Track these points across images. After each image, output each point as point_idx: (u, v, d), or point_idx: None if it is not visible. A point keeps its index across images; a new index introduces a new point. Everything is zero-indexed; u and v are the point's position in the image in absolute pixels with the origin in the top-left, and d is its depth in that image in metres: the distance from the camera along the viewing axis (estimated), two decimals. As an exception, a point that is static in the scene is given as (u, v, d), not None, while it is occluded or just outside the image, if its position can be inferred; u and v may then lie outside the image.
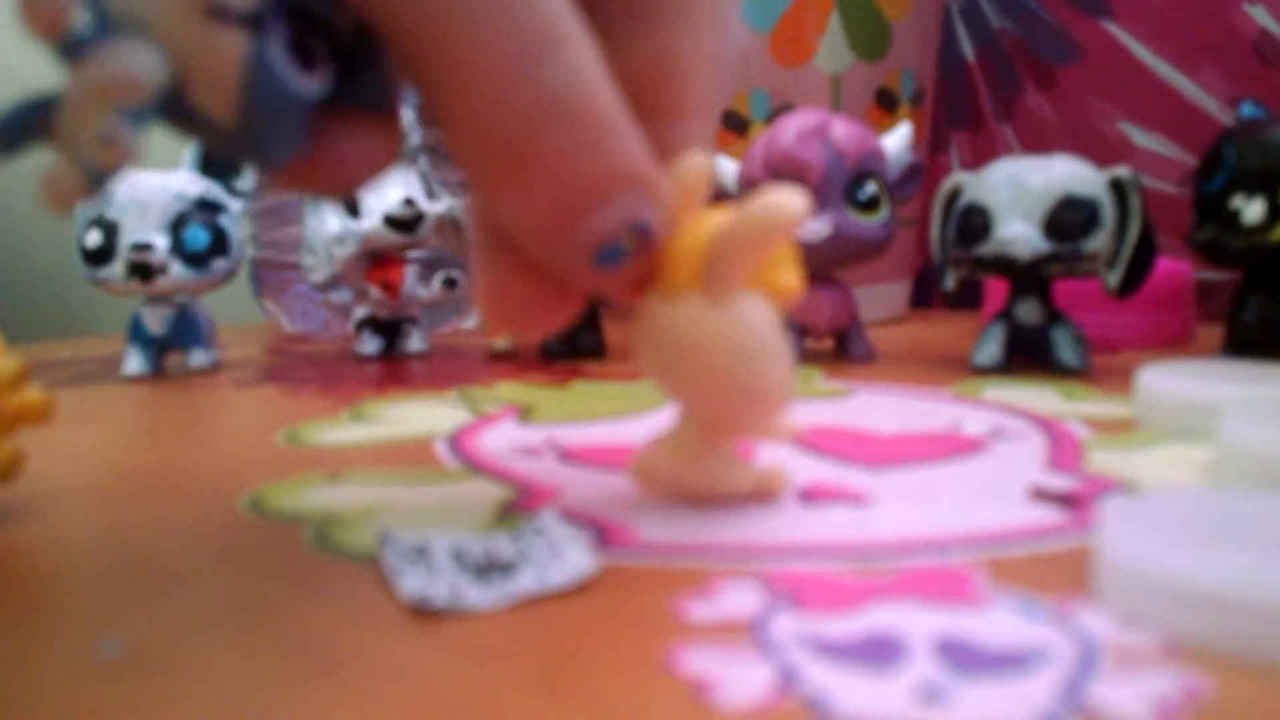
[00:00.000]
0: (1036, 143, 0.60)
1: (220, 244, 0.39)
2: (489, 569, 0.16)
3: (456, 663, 0.13)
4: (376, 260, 0.43)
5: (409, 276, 0.43)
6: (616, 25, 0.17)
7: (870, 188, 0.37)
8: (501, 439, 0.27)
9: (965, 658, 0.13)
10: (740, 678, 0.13)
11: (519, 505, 0.20)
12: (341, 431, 0.28)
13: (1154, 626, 0.14)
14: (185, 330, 0.41)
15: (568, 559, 0.16)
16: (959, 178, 0.36)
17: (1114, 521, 0.15)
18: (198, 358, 0.41)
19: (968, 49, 0.62)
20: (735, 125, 0.50)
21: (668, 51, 0.17)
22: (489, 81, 0.14)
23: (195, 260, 0.39)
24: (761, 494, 0.20)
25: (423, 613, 0.15)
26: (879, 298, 0.52)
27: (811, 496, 0.21)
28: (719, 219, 0.17)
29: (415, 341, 0.45)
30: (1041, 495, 0.20)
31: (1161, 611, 0.14)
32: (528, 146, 0.15)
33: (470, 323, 0.57)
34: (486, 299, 0.18)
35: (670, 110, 0.18)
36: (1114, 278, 0.33)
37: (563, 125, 0.15)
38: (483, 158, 0.15)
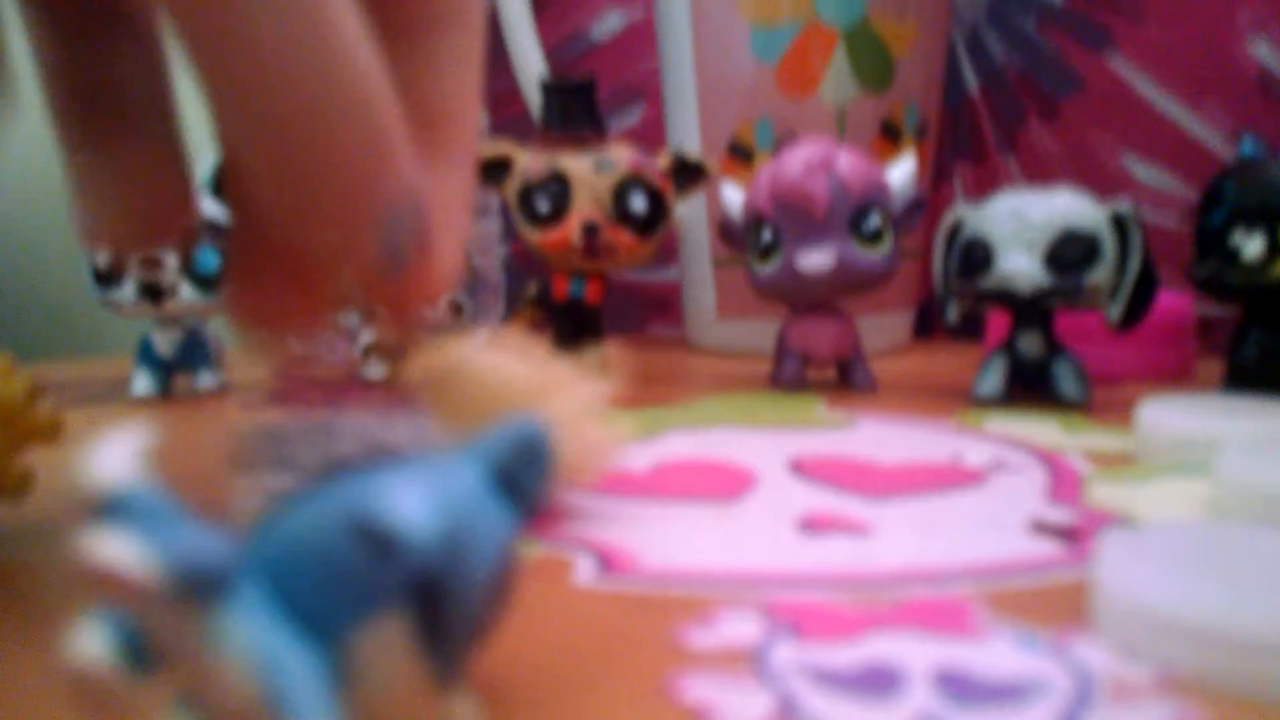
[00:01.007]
0: (1039, 174, 0.61)
1: (230, 267, 0.40)
2: None
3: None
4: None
5: (415, 302, 0.43)
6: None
7: (874, 220, 0.37)
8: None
9: (963, 689, 0.13)
10: (740, 705, 0.13)
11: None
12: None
13: (1150, 659, 0.14)
14: (193, 352, 0.41)
15: None
16: (961, 211, 0.36)
17: (1112, 555, 0.15)
18: (205, 380, 0.41)
19: (971, 81, 0.63)
20: (741, 155, 0.51)
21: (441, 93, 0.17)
22: (285, 87, 0.13)
23: (205, 283, 0.39)
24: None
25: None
26: (881, 328, 0.52)
27: (812, 526, 0.21)
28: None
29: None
30: (1041, 528, 0.20)
31: (1158, 645, 0.14)
32: (320, 153, 0.14)
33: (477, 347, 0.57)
34: (234, 293, 0.17)
35: (438, 154, 0.17)
36: (1115, 311, 0.33)
37: (356, 130, 0.14)
38: (273, 169, 0.14)
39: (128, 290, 0.38)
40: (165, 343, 0.40)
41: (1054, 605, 0.16)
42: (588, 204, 0.38)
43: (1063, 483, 0.24)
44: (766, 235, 0.38)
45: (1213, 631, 0.13)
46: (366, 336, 0.44)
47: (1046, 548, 0.19)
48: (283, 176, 0.14)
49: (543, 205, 0.38)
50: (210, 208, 0.40)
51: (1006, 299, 0.33)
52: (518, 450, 0.12)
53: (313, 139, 0.14)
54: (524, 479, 0.12)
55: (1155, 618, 0.14)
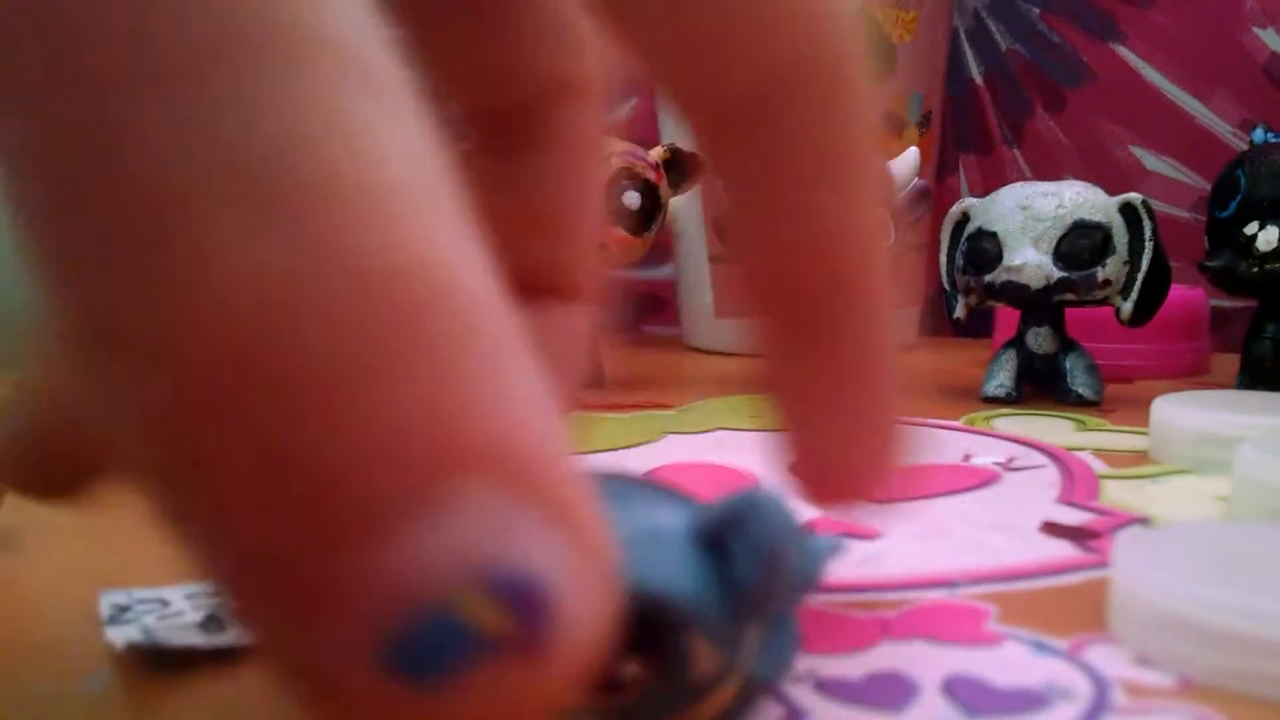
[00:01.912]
0: (1046, 166, 0.60)
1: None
2: (220, 619, 0.15)
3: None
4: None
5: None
6: (777, 180, 0.12)
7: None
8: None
9: (975, 696, 0.13)
10: (746, 717, 0.12)
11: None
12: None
13: (1169, 661, 0.14)
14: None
15: None
16: (967, 203, 0.35)
17: (1130, 556, 0.15)
18: None
19: (975, 71, 0.62)
20: (741, 150, 0.50)
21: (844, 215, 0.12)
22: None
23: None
24: None
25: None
26: (887, 325, 0.52)
27: (818, 530, 0.20)
28: None
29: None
30: (1054, 530, 0.20)
31: (1177, 647, 0.14)
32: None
33: None
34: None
35: (845, 284, 0.12)
36: (1127, 306, 0.33)
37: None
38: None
39: None
40: None
41: (1068, 609, 0.16)
42: (582, 200, 0.38)
43: (1076, 483, 0.24)
44: (768, 231, 0.37)
45: (1233, 633, 0.13)
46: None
47: (1060, 550, 0.19)
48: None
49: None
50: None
51: (1015, 294, 0.33)
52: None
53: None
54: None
55: (1174, 619, 0.14)
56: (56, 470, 0.12)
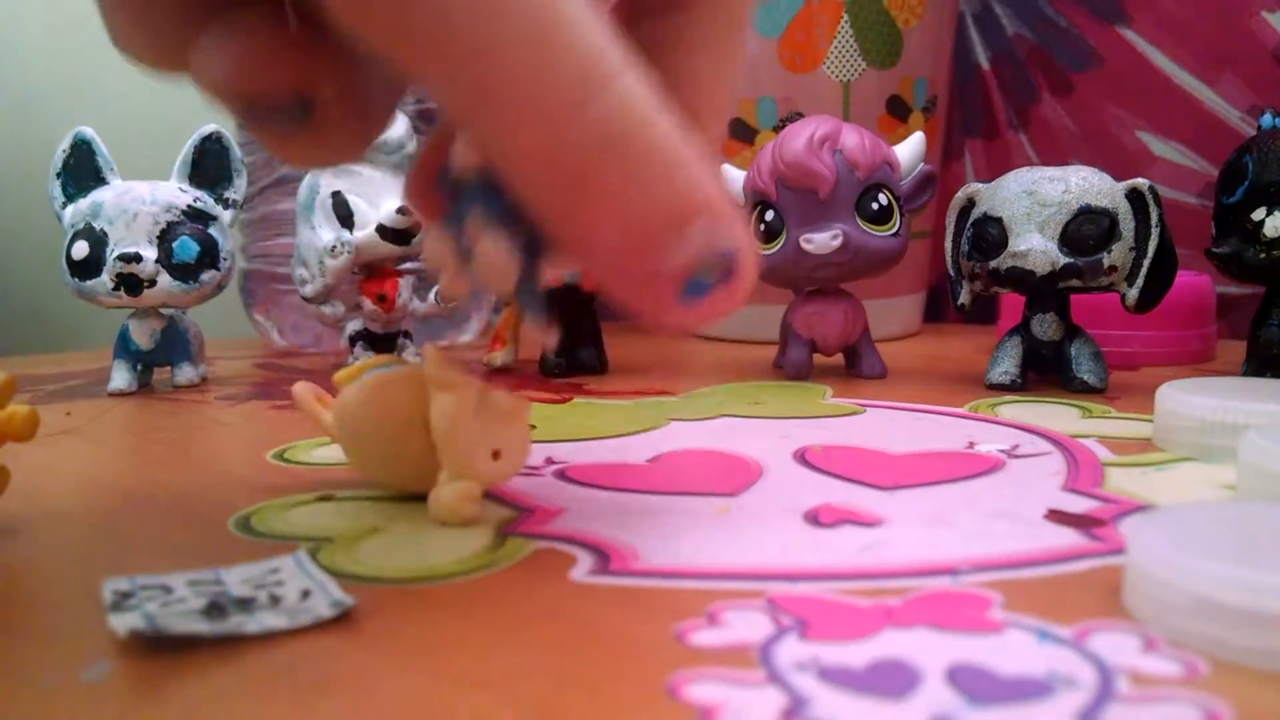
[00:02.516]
0: (1052, 151, 0.60)
1: (210, 255, 0.39)
2: (222, 606, 0.15)
3: (457, 690, 0.13)
4: (370, 272, 0.42)
5: (404, 289, 0.42)
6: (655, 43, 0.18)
7: (882, 199, 0.36)
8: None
9: (979, 684, 0.13)
10: (747, 705, 0.12)
11: (517, 525, 0.20)
12: (333, 449, 0.28)
13: (1186, 640, 0.14)
14: (173, 345, 0.40)
15: (309, 603, 0.16)
16: (973, 188, 0.35)
17: (1146, 536, 0.15)
18: (185, 373, 0.41)
19: (982, 55, 0.62)
20: (742, 134, 0.50)
21: (699, 70, 0.18)
22: (542, 123, 0.14)
23: (184, 272, 0.38)
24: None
25: (336, 624, 0.14)
26: (891, 312, 0.52)
27: (820, 519, 0.20)
28: None
29: (410, 356, 0.44)
30: (1058, 517, 0.20)
31: (1193, 626, 0.14)
32: (590, 185, 0.14)
33: (467, 336, 0.56)
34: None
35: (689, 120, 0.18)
36: (1133, 292, 0.32)
37: (620, 160, 0.14)
38: (547, 199, 0.15)
39: (104, 280, 0.37)
40: (143, 335, 0.40)
41: (1073, 596, 0.16)
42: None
43: (1080, 470, 0.23)
44: (769, 217, 0.37)
45: (1254, 611, 0.13)
46: (354, 326, 0.43)
47: (1065, 538, 0.19)
48: (564, 214, 0.15)
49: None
50: (189, 195, 0.39)
51: (1020, 280, 0.33)
52: None
53: (592, 174, 0.14)
54: None
55: (1196, 598, 0.14)
56: None
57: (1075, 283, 0.32)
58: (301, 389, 0.25)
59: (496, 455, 0.20)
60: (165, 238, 0.38)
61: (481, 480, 0.20)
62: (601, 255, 0.15)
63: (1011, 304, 0.45)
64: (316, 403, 0.24)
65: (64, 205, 0.39)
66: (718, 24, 0.18)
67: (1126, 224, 0.32)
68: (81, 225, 0.38)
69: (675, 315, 0.16)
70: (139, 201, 0.38)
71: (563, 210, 0.15)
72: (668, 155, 0.15)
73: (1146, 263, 0.32)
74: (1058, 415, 0.30)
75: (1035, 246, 0.32)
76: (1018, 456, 0.25)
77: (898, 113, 0.50)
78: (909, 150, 0.37)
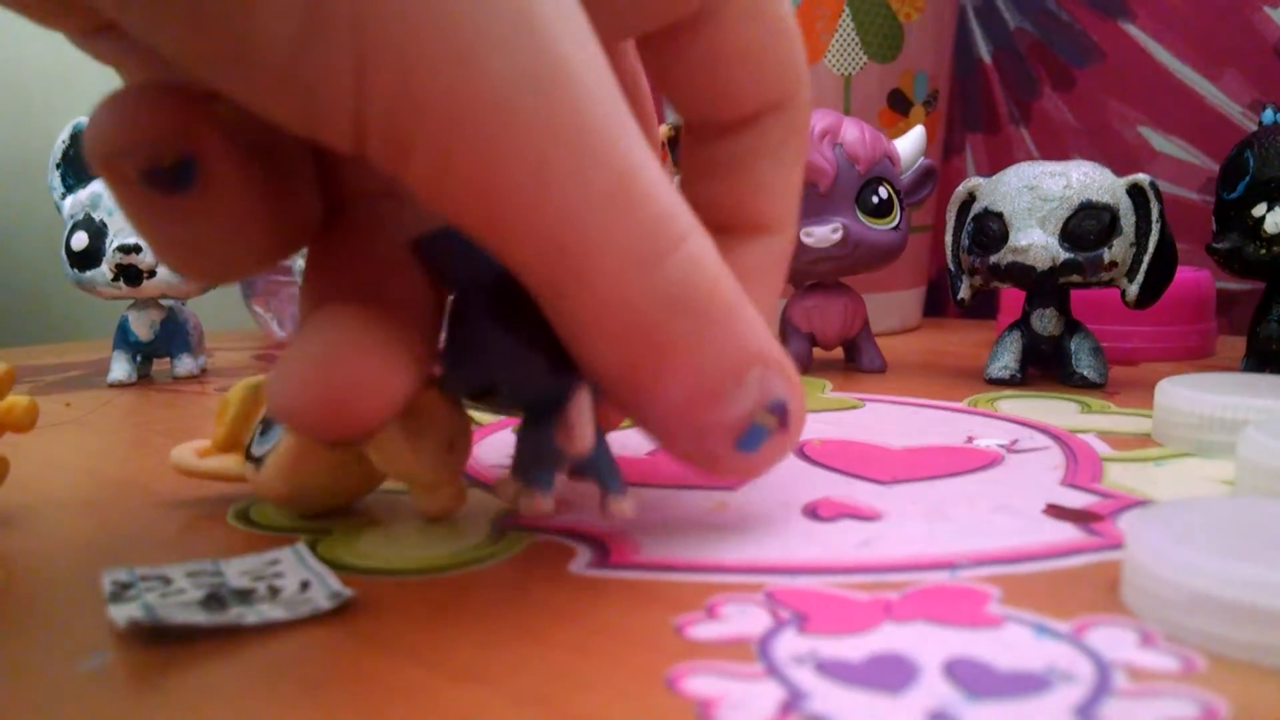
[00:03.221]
0: (1053, 146, 0.60)
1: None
2: (222, 597, 0.15)
3: (455, 684, 0.13)
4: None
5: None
6: (741, 166, 0.19)
7: (882, 192, 0.36)
8: (498, 450, 0.26)
9: (977, 679, 0.13)
10: (745, 698, 0.12)
11: (516, 517, 0.20)
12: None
13: (1185, 636, 0.14)
14: (172, 336, 0.40)
15: (308, 595, 0.16)
16: (973, 183, 0.35)
17: (1145, 531, 0.15)
18: (184, 364, 0.41)
19: (983, 49, 0.62)
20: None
21: (769, 180, 0.19)
22: (615, 282, 0.14)
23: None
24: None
25: (321, 618, 0.14)
26: (891, 306, 0.52)
27: (820, 512, 0.20)
28: None
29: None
30: (1057, 512, 0.20)
31: (1193, 621, 0.14)
32: (657, 339, 0.15)
33: None
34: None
35: (765, 229, 0.20)
36: (1133, 288, 0.32)
37: (689, 317, 0.15)
38: (613, 355, 0.15)
39: (104, 271, 0.37)
40: (143, 326, 0.40)
41: (1071, 591, 0.16)
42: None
43: (1079, 465, 0.23)
44: (772, 210, 0.37)
45: (1248, 606, 0.13)
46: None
47: (1063, 532, 0.19)
48: (629, 373, 0.15)
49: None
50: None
51: (1021, 275, 0.33)
52: None
53: (662, 332, 0.15)
54: None
55: (1195, 594, 0.14)
56: None
57: (1075, 278, 0.32)
58: (179, 456, 0.22)
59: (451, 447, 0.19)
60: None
61: (444, 478, 0.19)
62: (663, 409, 0.16)
63: (1011, 299, 0.45)
64: (200, 458, 0.22)
65: (63, 196, 0.39)
66: (783, 132, 0.19)
67: (1127, 219, 0.32)
68: (81, 216, 0.38)
69: (731, 466, 0.16)
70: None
71: (628, 369, 0.15)
72: (732, 310, 0.15)
73: (1147, 258, 0.32)
74: (1057, 410, 0.30)
75: (1036, 241, 0.32)
76: (1017, 451, 0.25)
77: (898, 107, 0.50)
78: (909, 144, 0.37)
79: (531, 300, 0.16)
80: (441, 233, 0.16)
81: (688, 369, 0.15)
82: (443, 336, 0.17)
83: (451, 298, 0.17)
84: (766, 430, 0.16)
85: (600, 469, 0.18)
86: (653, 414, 0.16)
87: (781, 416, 0.16)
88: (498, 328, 0.16)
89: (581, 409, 0.16)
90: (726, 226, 0.19)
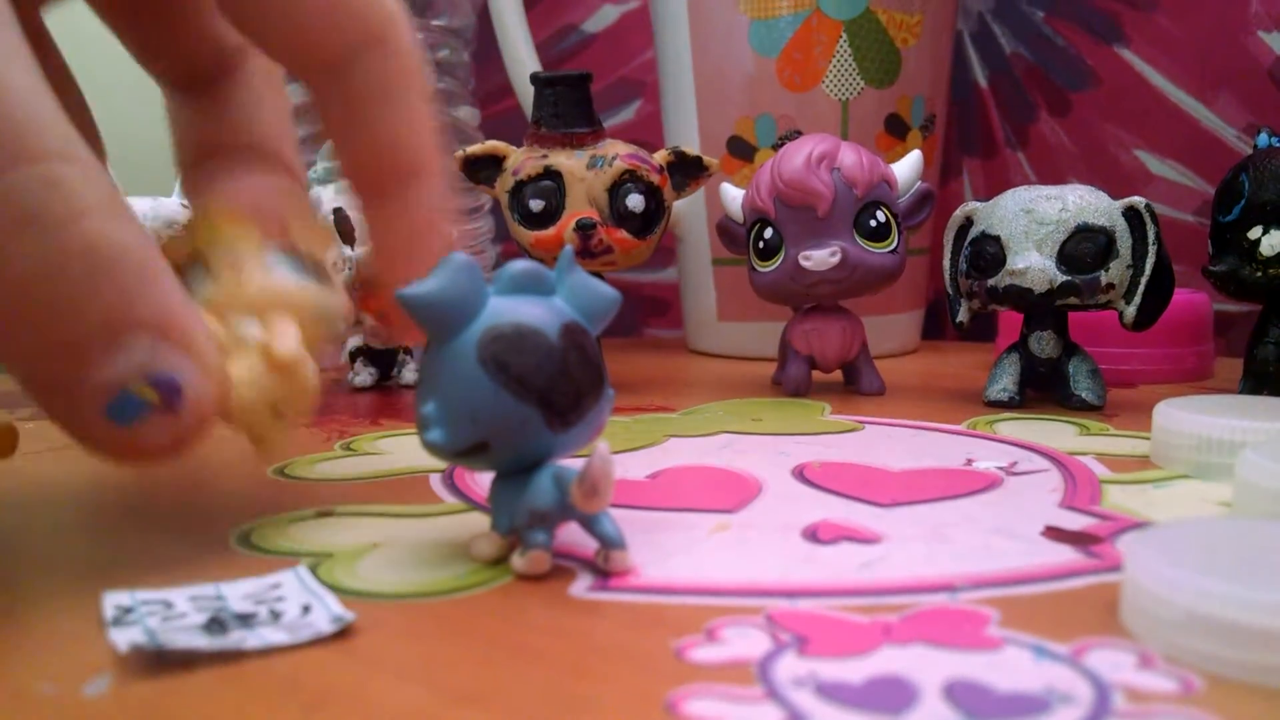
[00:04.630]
0: (1050, 170, 0.60)
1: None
2: (223, 621, 0.15)
3: (457, 706, 0.13)
4: (371, 288, 0.42)
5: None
6: (356, 111, 0.19)
7: (880, 216, 0.36)
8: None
9: (976, 701, 0.13)
10: None
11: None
12: (333, 465, 0.28)
13: (1184, 658, 0.14)
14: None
15: (310, 619, 0.16)
16: (970, 207, 0.35)
17: (1145, 552, 0.15)
18: None
19: (980, 75, 0.62)
20: (741, 152, 0.50)
21: (400, 129, 0.20)
22: None
23: (189, 287, 0.38)
24: None
25: (318, 642, 0.14)
26: (889, 329, 0.52)
27: (819, 535, 0.20)
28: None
29: (410, 373, 0.44)
30: (1056, 534, 0.20)
31: (1192, 643, 0.14)
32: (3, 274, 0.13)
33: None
34: None
35: (411, 172, 0.20)
36: (1130, 310, 0.33)
37: (35, 248, 0.13)
38: None
39: None
40: None
41: (1071, 613, 0.16)
42: (582, 202, 0.38)
43: (1078, 487, 0.23)
44: (768, 234, 0.37)
45: (1247, 628, 0.13)
46: (354, 342, 0.43)
47: (1062, 555, 0.19)
48: None
49: (535, 204, 0.38)
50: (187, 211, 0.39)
51: (1018, 298, 0.33)
52: None
53: None
54: None
55: (1194, 616, 0.14)
56: None
57: (1073, 300, 0.32)
58: None
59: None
60: (166, 253, 0.38)
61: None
62: (20, 364, 0.14)
63: (1010, 321, 0.45)
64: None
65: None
66: (385, 73, 0.19)
67: (1124, 242, 0.32)
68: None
69: (101, 436, 0.15)
70: (140, 217, 0.38)
71: None
72: (102, 258, 0.14)
73: (1144, 280, 0.32)
74: (1056, 432, 0.30)
75: (1033, 264, 0.32)
76: (1016, 473, 0.25)
77: (896, 131, 0.50)
78: (907, 168, 0.38)
79: (521, 355, 0.16)
80: (428, 286, 0.16)
81: (32, 311, 0.14)
82: (422, 397, 0.17)
83: (435, 352, 0.17)
84: (144, 404, 0.15)
85: (600, 522, 0.18)
86: (11, 364, 0.15)
87: (168, 395, 0.15)
88: (492, 384, 0.16)
89: (605, 467, 0.16)
90: (381, 180, 0.20)
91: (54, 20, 0.20)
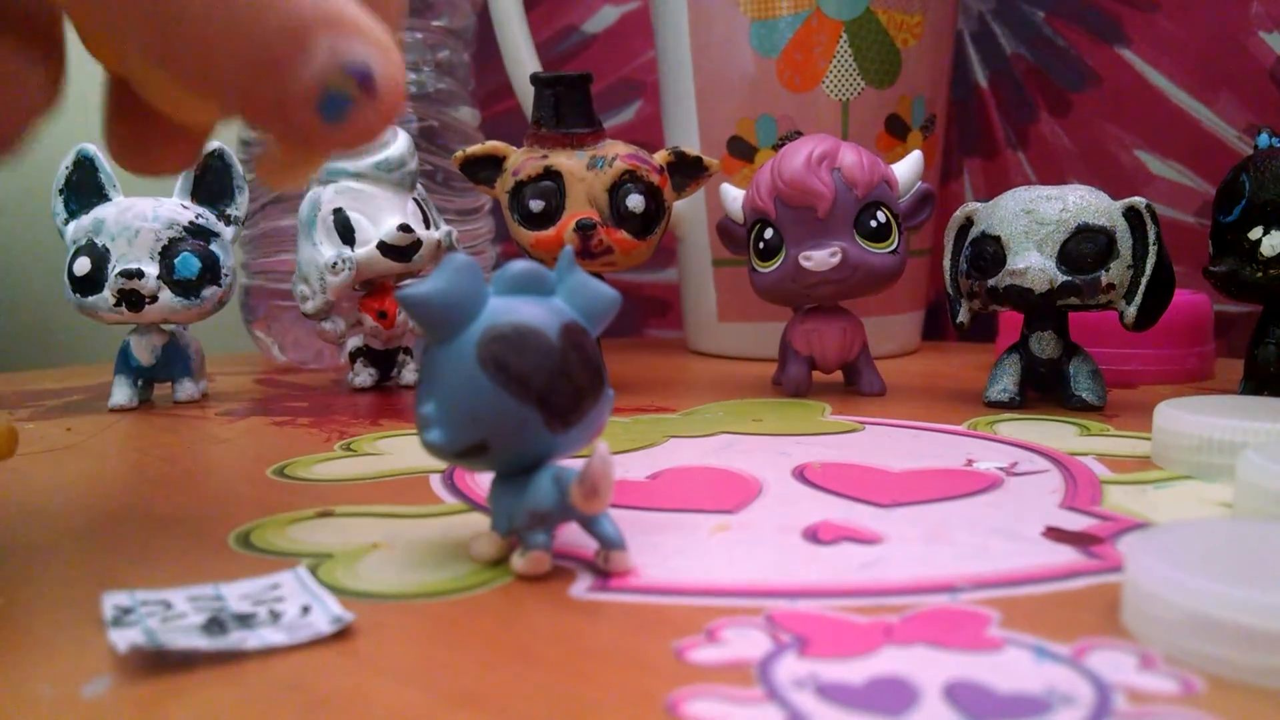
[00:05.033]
0: (1051, 170, 0.60)
1: (212, 271, 0.39)
2: (223, 622, 0.15)
3: (455, 708, 0.13)
4: (371, 289, 0.42)
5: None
6: None
7: (880, 216, 0.36)
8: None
9: (977, 702, 0.13)
10: None
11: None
12: (333, 466, 0.28)
13: (1184, 658, 0.14)
14: (174, 361, 0.40)
15: (309, 619, 0.16)
16: (971, 207, 0.35)
17: (1146, 554, 0.15)
18: (186, 389, 0.41)
19: (980, 75, 0.62)
20: (742, 152, 0.50)
21: None
22: None
23: (186, 288, 0.38)
24: None
25: (319, 644, 0.14)
26: (890, 329, 0.52)
27: (820, 535, 0.20)
28: None
29: (410, 373, 0.44)
30: (1057, 535, 0.20)
31: (1193, 644, 0.14)
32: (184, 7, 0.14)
33: None
34: (114, 141, 0.18)
35: None
36: (1131, 310, 0.33)
37: None
38: (143, 28, 0.15)
39: (106, 296, 0.37)
40: (144, 351, 0.40)
41: (1071, 614, 0.16)
42: (582, 203, 0.37)
43: (1079, 488, 0.23)
44: (768, 235, 0.37)
45: (1248, 629, 0.13)
46: (354, 343, 0.43)
47: (1063, 555, 0.19)
48: (168, 41, 0.15)
49: (535, 205, 0.38)
50: (191, 211, 0.39)
51: (1019, 298, 0.33)
52: None
53: None
54: None
55: (1196, 617, 0.14)
56: None
57: (1073, 301, 0.32)
58: None
59: None
60: (167, 254, 0.38)
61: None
62: (221, 84, 0.15)
63: (1010, 322, 0.45)
64: None
65: (66, 221, 0.39)
66: None
67: (1124, 242, 0.32)
68: (83, 241, 0.38)
69: (325, 137, 0.16)
70: (141, 218, 0.38)
71: (164, 36, 0.14)
72: None
73: (1144, 281, 0.32)
74: (1056, 433, 0.30)
75: (1034, 264, 0.32)
76: (1016, 474, 0.25)
77: (896, 131, 0.50)
78: (907, 168, 0.38)
79: (521, 355, 0.16)
80: (429, 287, 0.16)
81: (241, 37, 0.14)
82: (422, 398, 0.17)
83: (435, 352, 0.17)
84: (348, 96, 0.15)
85: (600, 522, 0.18)
86: (219, 92, 0.15)
87: (364, 81, 0.15)
88: (492, 384, 0.16)
89: (605, 468, 0.16)
90: None
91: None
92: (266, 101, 0.15)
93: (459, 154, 0.39)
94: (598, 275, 0.38)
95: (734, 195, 0.39)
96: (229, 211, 0.41)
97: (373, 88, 0.16)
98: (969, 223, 0.35)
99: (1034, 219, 0.32)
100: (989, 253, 0.33)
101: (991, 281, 0.33)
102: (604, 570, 0.18)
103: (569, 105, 0.39)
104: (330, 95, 0.15)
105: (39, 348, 0.71)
